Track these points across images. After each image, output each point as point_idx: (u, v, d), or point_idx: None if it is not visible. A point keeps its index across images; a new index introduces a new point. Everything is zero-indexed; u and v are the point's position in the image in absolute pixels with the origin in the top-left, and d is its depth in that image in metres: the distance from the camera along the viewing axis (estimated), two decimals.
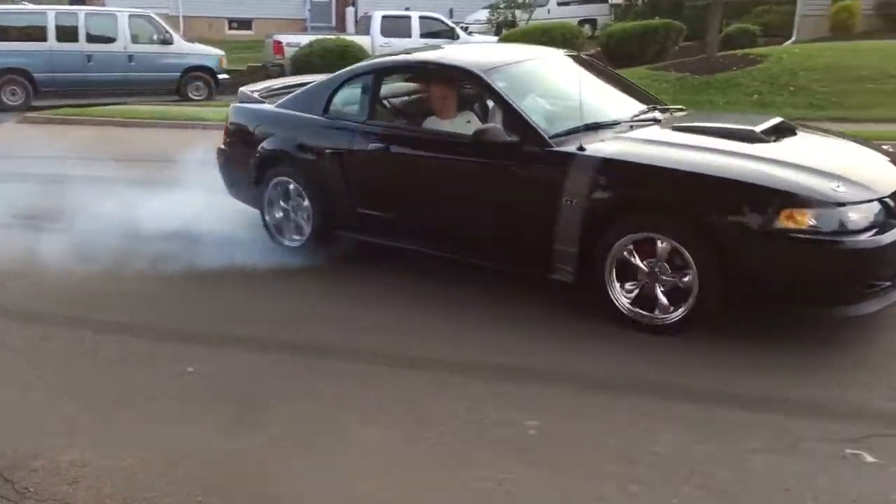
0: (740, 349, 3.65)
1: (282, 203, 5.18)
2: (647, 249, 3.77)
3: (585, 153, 3.97)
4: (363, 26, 19.68)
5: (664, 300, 3.76)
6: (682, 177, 3.76)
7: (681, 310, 3.72)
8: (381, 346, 3.83)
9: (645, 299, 3.82)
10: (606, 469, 2.79)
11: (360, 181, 4.82)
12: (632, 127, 4.38)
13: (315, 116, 5.02)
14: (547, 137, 4.09)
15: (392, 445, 2.99)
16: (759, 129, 4.13)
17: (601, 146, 4.03)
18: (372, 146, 4.72)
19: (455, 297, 4.41)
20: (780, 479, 2.69)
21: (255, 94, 5.69)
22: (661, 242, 3.72)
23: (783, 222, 3.46)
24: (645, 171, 3.86)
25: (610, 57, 15.48)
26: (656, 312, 3.79)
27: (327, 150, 4.89)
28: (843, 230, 3.44)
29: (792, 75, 12.06)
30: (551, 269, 4.08)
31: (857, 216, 3.48)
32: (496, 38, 19.17)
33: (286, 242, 5.20)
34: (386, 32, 18.31)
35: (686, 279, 3.67)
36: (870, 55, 12.50)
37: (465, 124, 4.67)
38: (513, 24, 21.59)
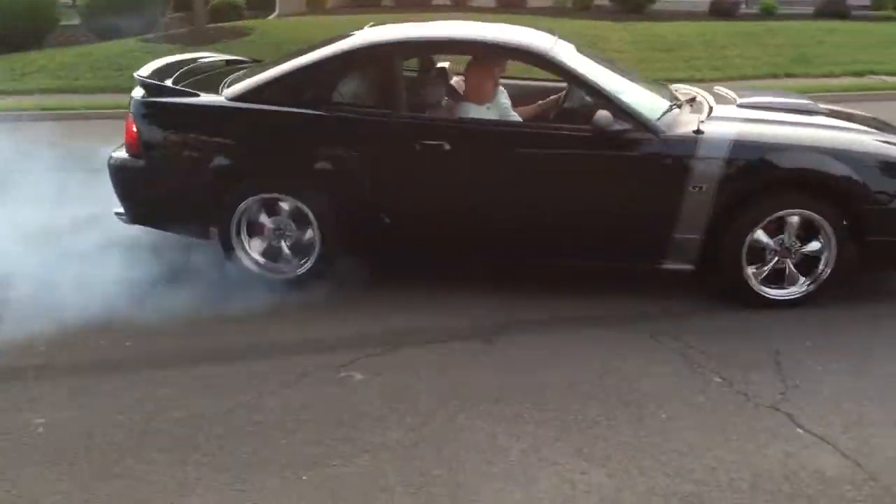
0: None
1: (268, 226, 4.14)
2: (774, 227, 3.86)
3: (708, 136, 3.82)
4: None
5: (796, 273, 3.92)
6: (819, 153, 3.83)
7: (806, 281, 3.93)
8: None
9: (772, 276, 3.93)
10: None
11: (397, 187, 4.05)
12: (692, 107, 4.23)
13: (315, 111, 4.06)
14: (655, 122, 3.86)
15: None
16: (806, 102, 4.45)
17: (716, 128, 3.89)
18: (425, 143, 3.93)
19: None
20: (291, 410, 3.10)
21: (170, 83, 4.28)
22: (794, 217, 3.82)
23: None
24: (780, 149, 3.84)
25: (93, 30, 14.56)
26: (786, 287, 3.94)
27: (347, 154, 4.04)
28: None
29: (277, 48, 12.89)
30: (664, 260, 3.97)
31: None
32: None
33: (271, 275, 4.19)
34: None
35: (813, 250, 3.87)
36: (333, 28, 13.96)
37: (505, 108, 4.34)
38: None
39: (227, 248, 4.16)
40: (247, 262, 4.16)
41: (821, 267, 3.90)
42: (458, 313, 3.94)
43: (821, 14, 16.60)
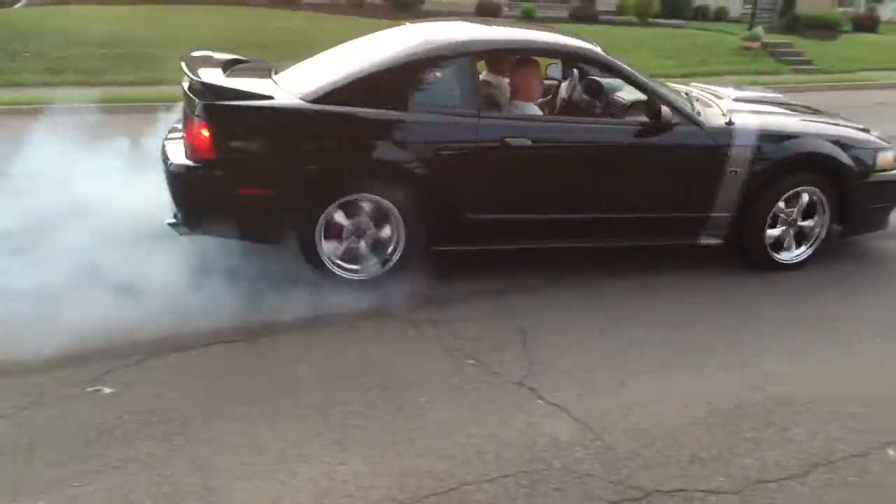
0: None
1: (348, 227, 4.13)
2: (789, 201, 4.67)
3: (738, 128, 4.50)
4: None
5: (794, 244, 4.78)
6: (822, 139, 4.69)
7: (804, 248, 4.80)
8: None
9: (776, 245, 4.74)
10: None
11: (483, 184, 4.23)
12: (700, 101, 4.91)
13: (401, 112, 4.11)
14: (698, 116, 4.50)
15: None
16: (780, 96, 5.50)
17: (742, 120, 4.57)
18: (509, 141, 4.19)
19: None
20: (28, 433, 2.87)
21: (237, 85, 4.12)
22: (805, 195, 4.64)
23: (878, 167, 4.80)
24: (791, 137, 4.63)
25: None
26: (792, 253, 4.78)
27: (435, 153, 4.14)
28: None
29: (25, 40, 11.76)
30: (700, 236, 4.61)
31: None
32: None
33: (348, 275, 4.17)
34: None
35: (811, 222, 4.74)
36: (98, 19, 13.04)
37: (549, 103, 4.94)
38: None
39: (309, 252, 4.09)
40: (328, 264, 4.12)
41: (816, 232, 4.78)
42: (221, 317, 3.84)
43: (574, 18, 18.04)
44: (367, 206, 4.11)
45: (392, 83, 4.16)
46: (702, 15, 21.74)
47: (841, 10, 24.22)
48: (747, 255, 4.74)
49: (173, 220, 4.17)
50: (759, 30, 17.04)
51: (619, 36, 16.26)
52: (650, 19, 19.18)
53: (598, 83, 4.88)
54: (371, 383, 3.33)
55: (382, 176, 4.10)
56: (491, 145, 4.18)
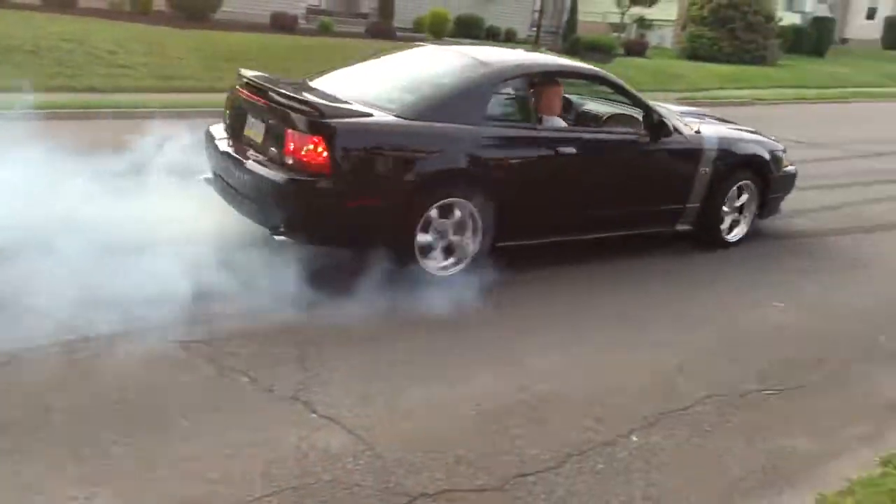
0: None
1: (440, 229, 4.61)
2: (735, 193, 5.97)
3: (705, 135, 5.70)
4: None
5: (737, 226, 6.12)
6: (754, 143, 6.12)
7: (743, 227, 6.14)
8: None
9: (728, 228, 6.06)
10: None
11: (540, 187, 4.90)
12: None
13: (476, 126, 4.67)
14: (679, 126, 5.56)
15: None
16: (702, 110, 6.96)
17: (703, 129, 5.79)
18: (560, 150, 4.94)
19: None
20: None
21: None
22: (744, 188, 5.95)
23: (782, 165, 6.28)
24: (739, 142, 5.99)
25: None
26: (736, 233, 6.10)
27: (506, 161, 4.80)
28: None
29: None
30: (678, 224, 5.71)
31: None
32: None
33: (440, 272, 4.64)
34: None
35: (743, 204, 6.07)
36: None
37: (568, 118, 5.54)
38: None
39: (406, 254, 4.47)
40: (424, 264, 4.57)
41: (748, 215, 6.09)
42: None
43: (370, 33, 18.25)
44: (456, 209, 4.61)
45: (467, 101, 4.74)
46: (493, 35, 22.81)
47: (615, 35, 26.43)
48: (707, 237, 5.96)
49: (277, 230, 4.33)
50: (543, 50, 18.16)
51: None
52: (446, 37, 19.84)
53: (568, 99, 5.84)
54: (134, 409, 3.14)
55: (467, 181, 4.65)
56: (547, 154, 4.92)
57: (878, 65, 29.45)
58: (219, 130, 5.17)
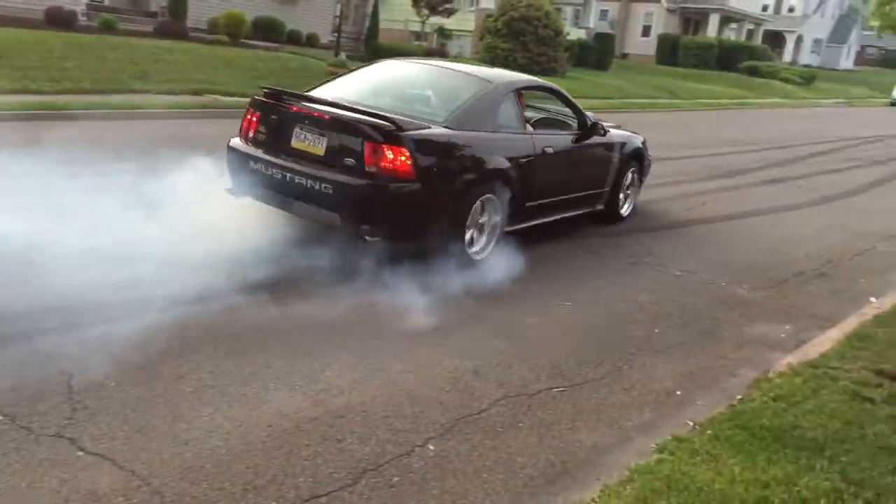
0: None
1: (479, 220, 5.60)
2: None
3: (614, 134, 7.43)
4: None
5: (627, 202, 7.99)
6: (635, 137, 7.97)
7: (631, 203, 8.03)
8: None
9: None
10: None
11: (533, 180, 6.01)
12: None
13: (495, 133, 5.76)
14: (605, 128, 7.19)
15: None
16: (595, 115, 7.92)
17: (611, 130, 7.40)
18: (547, 149, 6.18)
19: None
20: None
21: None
22: (633, 171, 7.87)
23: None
24: (631, 137, 7.84)
25: None
26: (625, 209, 7.92)
27: (516, 161, 5.80)
28: None
29: None
30: (597, 204, 7.38)
31: None
32: None
33: (478, 257, 5.63)
34: None
35: (630, 184, 7.95)
36: None
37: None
38: None
39: (459, 243, 5.35)
40: (470, 250, 5.52)
41: (632, 194, 7.94)
42: None
43: (160, 32, 17.23)
44: (490, 203, 5.58)
45: (487, 112, 5.74)
46: (294, 40, 22.38)
47: (416, 43, 26.94)
48: (608, 215, 7.54)
49: (366, 231, 4.90)
50: (342, 57, 18.10)
51: (209, 55, 15.95)
52: (242, 40, 19.17)
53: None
54: None
55: (497, 179, 5.59)
56: (538, 153, 6.05)
57: (654, 78, 32.32)
58: (243, 144, 5.49)
